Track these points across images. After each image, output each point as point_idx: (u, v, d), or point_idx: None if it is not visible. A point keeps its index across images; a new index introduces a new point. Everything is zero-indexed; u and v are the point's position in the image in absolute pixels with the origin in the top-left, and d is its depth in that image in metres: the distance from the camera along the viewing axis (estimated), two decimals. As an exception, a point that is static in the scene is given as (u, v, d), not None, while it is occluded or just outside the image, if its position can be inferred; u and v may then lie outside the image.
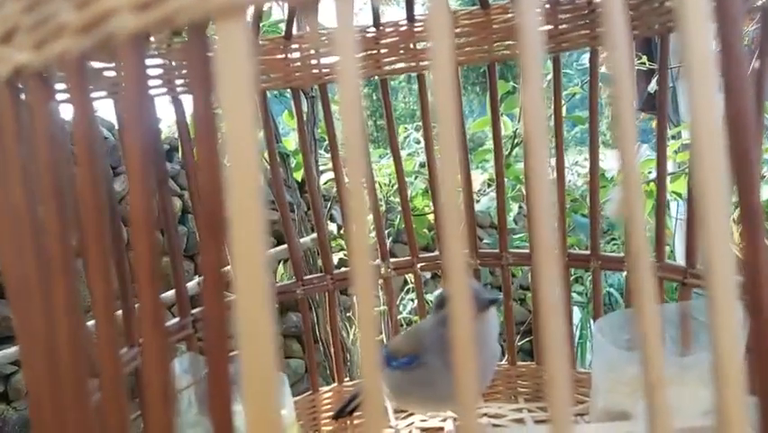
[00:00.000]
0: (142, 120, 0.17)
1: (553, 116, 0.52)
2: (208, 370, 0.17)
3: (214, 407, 0.17)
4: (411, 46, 0.52)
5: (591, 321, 1.70)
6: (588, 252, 0.54)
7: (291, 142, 1.29)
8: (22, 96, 0.21)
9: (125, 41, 0.17)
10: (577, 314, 1.80)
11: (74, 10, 0.17)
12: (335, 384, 0.58)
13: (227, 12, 0.15)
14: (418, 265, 0.60)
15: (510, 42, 0.50)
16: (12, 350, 1.16)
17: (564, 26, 0.48)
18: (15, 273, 0.23)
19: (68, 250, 0.20)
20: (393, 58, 0.52)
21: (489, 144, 1.65)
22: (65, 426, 0.22)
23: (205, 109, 0.16)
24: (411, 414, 0.55)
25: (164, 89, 0.46)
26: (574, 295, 1.72)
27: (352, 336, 1.60)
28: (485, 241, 1.75)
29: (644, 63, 1.42)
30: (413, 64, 0.52)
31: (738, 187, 0.19)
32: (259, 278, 0.15)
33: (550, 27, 0.48)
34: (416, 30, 0.52)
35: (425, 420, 0.54)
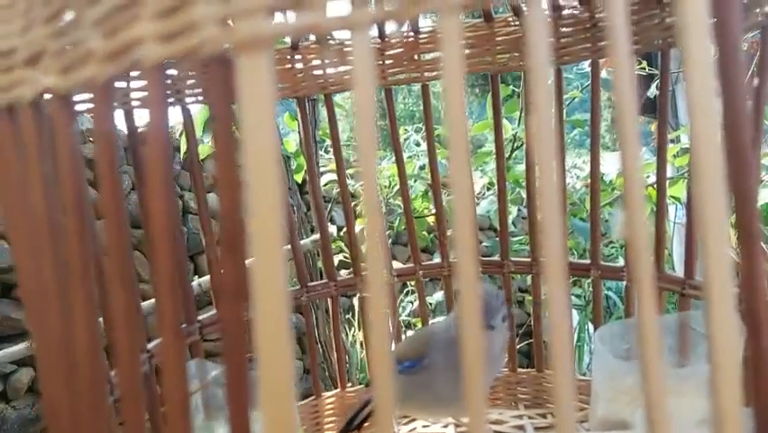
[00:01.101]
0: (165, 140, 0.18)
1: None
2: (227, 377, 0.18)
3: (233, 413, 0.18)
4: (416, 57, 0.53)
5: (590, 324, 1.71)
6: (588, 261, 0.54)
7: (291, 143, 1.30)
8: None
9: (150, 69, 0.17)
10: (575, 317, 1.81)
11: (101, 38, 0.18)
12: (338, 390, 0.59)
13: (251, 45, 0.16)
14: (420, 272, 0.60)
15: (513, 54, 0.51)
16: (11, 349, 1.16)
17: (567, 39, 0.49)
18: (32, 277, 0.23)
19: (87, 255, 0.21)
20: (398, 69, 0.53)
21: (489, 146, 1.66)
22: (81, 428, 0.23)
23: (227, 136, 0.17)
24: (413, 420, 0.56)
25: (172, 99, 0.46)
26: (573, 298, 1.73)
27: (350, 338, 1.61)
28: (484, 244, 1.76)
29: (644, 68, 1.43)
30: (417, 75, 0.53)
31: (736, 201, 0.19)
32: (278, 291, 0.16)
33: (552, 40, 0.49)
34: (420, 41, 0.52)
35: (427, 426, 0.55)
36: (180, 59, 0.17)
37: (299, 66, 0.52)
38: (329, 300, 0.60)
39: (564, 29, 0.49)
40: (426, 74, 0.53)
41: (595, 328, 0.54)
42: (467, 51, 0.52)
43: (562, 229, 0.17)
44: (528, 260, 0.58)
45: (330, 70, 0.53)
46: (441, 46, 0.15)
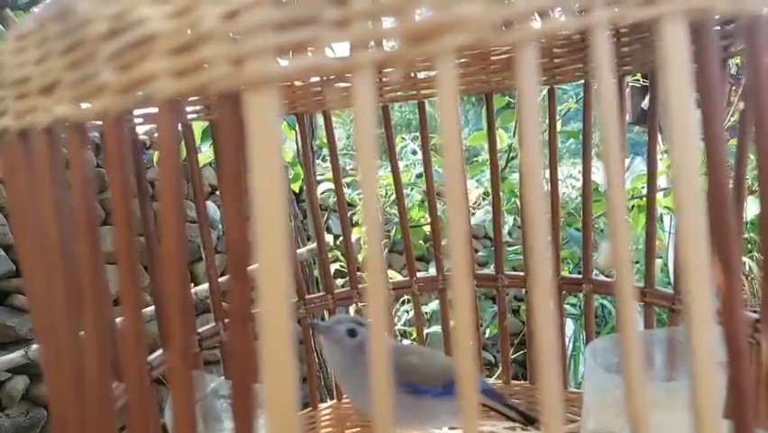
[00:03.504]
0: (176, 173, 0.19)
1: (547, 145, 0.54)
2: (234, 395, 0.19)
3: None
4: (412, 75, 0.54)
5: (584, 334, 1.72)
6: (580, 276, 0.55)
7: (288, 152, 1.30)
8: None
9: (162, 103, 0.18)
10: (570, 326, 1.82)
11: (114, 72, 0.19)
12: (335, 401, 0.60)
13: (259, 84, 0.17)
14: (416, 286, 0.61)
15: (508, 73, 0.52)
16: (7, 357, 1.16)
17: (560, 60, 0.50)
18: (43, 298, 0.24)
19: (99, 278, 0.22)
20: (394, 86, 0.54)
21: (484, 155, 1.67)
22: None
23: (235, 167, 0.18)
24: None
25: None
26: (567, 307, 1.74)
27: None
28: (479, 253, 1.77)
29: (639, 80, 1.45)
30: (413, 92, 0.54)
31: (713, 225, 0.20)
32: (283, 319, 0.17)
33: (545, 60, 0.50)
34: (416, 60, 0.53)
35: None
36: (192, 94, 0.18)
37: (298, 83, 0.54)
38: (326, 313, 0.60)
39: (557, 50, 0.50)
40: (423, 91, 0.54)
41: (587, 342, 0.55)
42: (462, 71, 0.53)
43: (549, 256, 0.18)
44: (522, 274, 0.59)
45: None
46: (437, 88, 0.17)
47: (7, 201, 0.26)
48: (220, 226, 1.76)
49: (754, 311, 0.42)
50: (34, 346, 1.15)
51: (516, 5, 0.17)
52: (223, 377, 0.47)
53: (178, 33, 0.18)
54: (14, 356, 1.16)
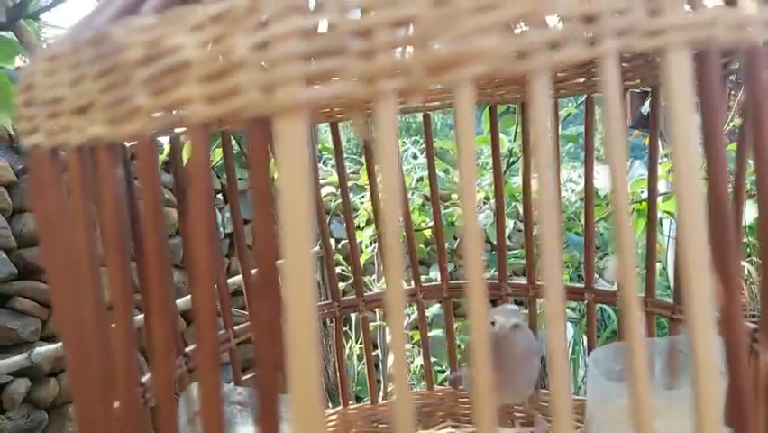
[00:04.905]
0: (208, 191, 0.20)
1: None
2: (259, 408, 0.20)
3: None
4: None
5: (584, 337, 1.73)
6: (582, 285, 0.56)
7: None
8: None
9: (195, 126, 0.19)
10: (570, 331, 1.83)
11: (148, 96, 0.20)
12: (340, 407, 0.60)
13: (289, 109, 0.18)
14: (421, 294, 0.62)
15: (510, 87, 0.53)
16: (9, 360, 1.16)
17: (562, 74, 0.51)
18: (71, 313, 0.25)
19: (128, 293, 0.23)
20: (400, 98, 0.55)
21: (484, 159, 1.68)
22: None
23: (265, 185, 0.19)
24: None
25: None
26: (568, 311, 1.75)
27: (347, 351, 1.62)
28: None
29: (638, 86, 1.46)
30: (419, 104, 0.55)
31: (713, 236, 0.21)
32: (309, 326, 0.18)
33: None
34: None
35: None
36: (224, 118, 0.19)
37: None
38: (331, 320, 0.61)
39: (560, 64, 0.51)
40: (428, 104, 0.55)
41: (589, 350, 0.56)
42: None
43: (561, 274, 0.19)
44: (525, 282, 0.60)
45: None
46: (454, 117, 0.18)
47: (35, 213, 0.27)
48: (221, 229, 1.77)
49: (753, 315, 0.43)
50: (36, 349, 1.16)
51: (530, 37, 0.18)
52: (232, 383, 0.48)
53: (212, 61, 0.19)
54: (17, 359, 1.16)
